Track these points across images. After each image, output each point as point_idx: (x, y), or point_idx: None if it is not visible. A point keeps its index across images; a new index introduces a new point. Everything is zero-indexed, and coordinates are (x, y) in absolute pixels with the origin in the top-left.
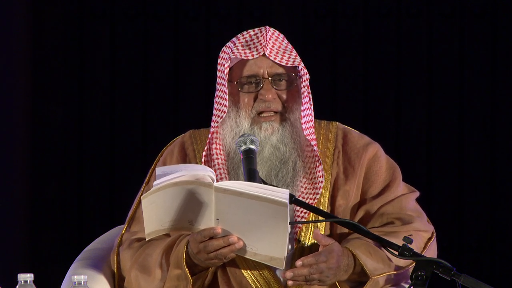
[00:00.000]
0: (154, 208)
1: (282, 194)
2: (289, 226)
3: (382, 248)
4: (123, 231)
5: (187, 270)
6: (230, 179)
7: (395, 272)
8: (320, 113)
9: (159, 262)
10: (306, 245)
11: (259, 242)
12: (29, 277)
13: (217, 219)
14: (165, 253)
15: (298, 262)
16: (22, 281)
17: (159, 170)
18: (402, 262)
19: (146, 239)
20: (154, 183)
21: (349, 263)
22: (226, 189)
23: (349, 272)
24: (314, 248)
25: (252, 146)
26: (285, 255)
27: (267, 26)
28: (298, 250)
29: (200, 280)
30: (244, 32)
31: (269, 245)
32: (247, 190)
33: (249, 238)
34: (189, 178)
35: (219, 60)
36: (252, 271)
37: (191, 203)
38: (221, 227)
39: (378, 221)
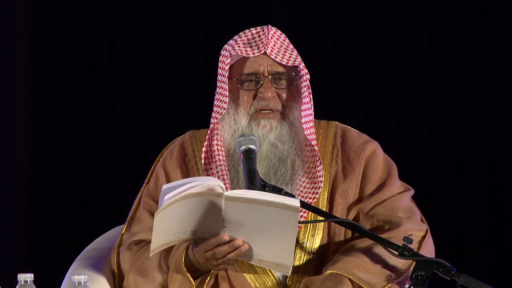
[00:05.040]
0: (163, 223)
1: (293, 200)
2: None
3: (380, 259)
4: (123, 231)
5: (188, 274)
6: (230, 176)
7: (400, 279)
8: (320, 113)
9: (157, 264)
10: (304, 244)
11: (266, 248)
12: (29, 277)
13: (225, 227)
14: (163, 256)
15: None
16: (22, 281)
17: (164, 186)
18: (401, 265)
19: (150, 255)
20: (166, 197)
21: (336, 286)
22: (237, 197)
23: None
24: (312, 247)
25: (252, 146)
26: (292, 261)
27: (270, 25)
28: (297, 249)
29: (203, 282)
30: (246, 30)
31: (276, 252)
32: (259, 196)
33: (256, 245)
34: (201, 189)
35: (220, 57)
36: (252, 271)
37: (198, 213)
38: (228, 234)
39: (369, 222)
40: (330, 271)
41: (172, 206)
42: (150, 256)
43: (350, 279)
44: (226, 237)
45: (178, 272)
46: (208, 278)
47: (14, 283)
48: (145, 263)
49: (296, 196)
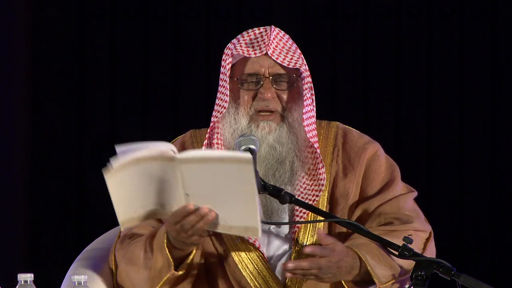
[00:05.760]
0: (121, 191)
1: (245, 153)
2: (257, 189)
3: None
4: (121, 230)
5: (169, 254)
6: None
7: (403, 278)
8: (320, 113)
9: (143, 250)
10: (304, 245)
11: (232, 212)
12: (29, 277)
13: (187, 194)
14: (148, 241)
15: (307, 249)
16: (22, 281)
17: (119, 148)
18: (407, 265)
19: (121, 229)
20: (117, 159)
21: (353, 265)
22: (188, 158)
23: (353, 273)
24: None
25: (252, 146)
26: (259, 223)
27: (273, 26)
28: (296, 250)
29: (185, 267)
30: (250, 30)
31: (242, 214)
32: (210, 154)
33: (221, 211)
34: (151, 153)
35: (223, 56)
36: (251, 270)
37: (158, 183)
38: (192, 203)
39: (376, 220)
40: (352, 248)
41: (125, 172)
42: (122, 230)
43: (360, 263)
44: (191, 207)
45: (161, 253)
46: (191, 257)
47: (14, 283)
48: (133, 252)
49: (296, 196)
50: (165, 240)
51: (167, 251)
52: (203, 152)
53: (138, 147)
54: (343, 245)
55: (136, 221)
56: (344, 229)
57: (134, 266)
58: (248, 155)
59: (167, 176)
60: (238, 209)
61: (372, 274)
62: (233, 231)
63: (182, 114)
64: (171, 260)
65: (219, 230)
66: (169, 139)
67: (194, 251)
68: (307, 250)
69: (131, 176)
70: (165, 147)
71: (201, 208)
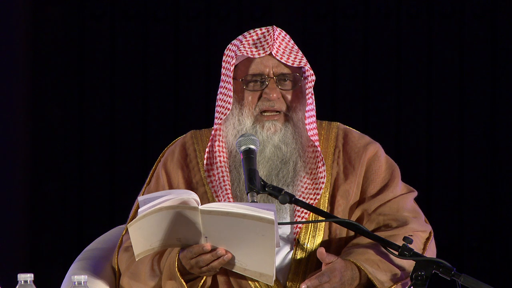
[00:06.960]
0: (140, 233)
1: (269, 211)
2: (276, 243)
3: (391, 257)
4: (124, 232)
5: (181, 278)
6: (232, 177)
7: (406, 280)
8: (321, 113)
9: (150, 268)
10: (305, 245)
11: (248, 258)
12: (29, 277)
13: (206, 237)
14: (157, 259)
15: (303, 286)
16: (22, 281)
17: (141, 198)
18: (408, 267)
19: (136, 259)
20: (139, 210)
21: (353, 276)
22: (211, 211)
23: (354, 284)
24: (312, 249)
25: (252, 146)
26: (274, 272)
27: (275, 26)
28: (297, 250)
29: (195, 286)
30: (251, 31)
31: (258, 262)
32: (233, 209)
33: (238, 254)
34: (174, 203)
35: (224, 57)
36: None
37: (178, 224)
38: (210, 244)
39: (375, 221)
40: (349, 259)
41: (147, 218)
42: (137, 260)
43: (359, 272)
44: (208, 247)
45: (171, 276)
46: (202, 281)
47: (14, 283)
48: (138, 267)
49: (296, 196)
50: (176, 264)
51: (179, 276)
52: (226, 206)
53: (160, 197)
54: (342, 260)
55: (151, 252)
56: (344, 230)
57: (138, 282)
58: (271, 215)
59: (187, 220)
60: (255, 257)
61: (374, 281)
62: (247, 273)
63: (182, 114)
64: (185, 285)
65: (233, 269)
66: (169, 139)
67: (205, 277)
68: (303, 287)
69: (151, 221)
70: (187, 197)
71: (218, 248)
